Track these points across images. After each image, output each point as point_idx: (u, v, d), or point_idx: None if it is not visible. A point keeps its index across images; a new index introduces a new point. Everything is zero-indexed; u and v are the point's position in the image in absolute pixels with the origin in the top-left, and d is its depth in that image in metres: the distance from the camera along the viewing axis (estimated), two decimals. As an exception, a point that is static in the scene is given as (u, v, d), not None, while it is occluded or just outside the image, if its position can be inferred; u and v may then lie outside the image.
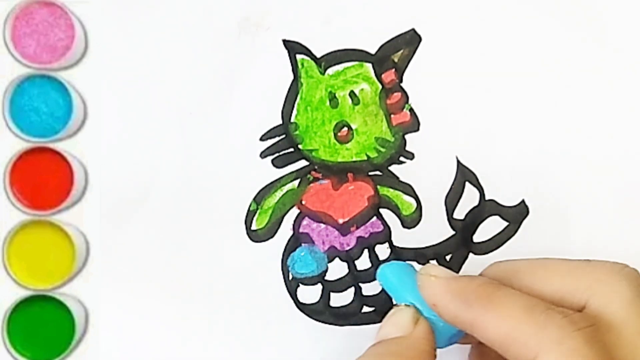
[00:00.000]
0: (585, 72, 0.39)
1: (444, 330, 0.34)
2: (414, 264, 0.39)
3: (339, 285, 0.39)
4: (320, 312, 0.39)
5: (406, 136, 0.39)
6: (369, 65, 0.39)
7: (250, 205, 0.39)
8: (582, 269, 0.32)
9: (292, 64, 0.39)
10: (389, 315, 0.34)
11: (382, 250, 0.39)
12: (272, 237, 0.40)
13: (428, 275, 0.34)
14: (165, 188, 0.39)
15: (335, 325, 0.39)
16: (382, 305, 0.39)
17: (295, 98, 0.39)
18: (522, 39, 0.39)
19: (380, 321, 0.39)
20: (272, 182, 0.40)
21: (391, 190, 0.40)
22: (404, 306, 0.35)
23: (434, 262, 0.39)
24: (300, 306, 0.39)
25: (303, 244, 0.40)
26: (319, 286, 0.39)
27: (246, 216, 0.39)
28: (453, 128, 0.39)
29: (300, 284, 0.39)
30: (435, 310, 0.33)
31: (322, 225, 0.40)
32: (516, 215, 0.39)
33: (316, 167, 0.40)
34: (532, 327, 0.29)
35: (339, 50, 0.39)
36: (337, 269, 0.39)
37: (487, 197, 0.39)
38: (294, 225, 0.40)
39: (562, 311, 0.30)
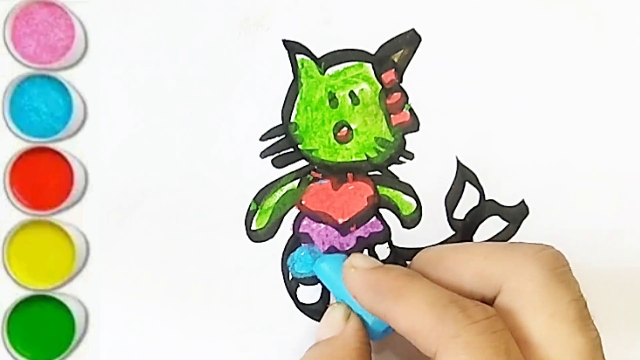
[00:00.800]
0: (585, 72, 0.39)
1: (375, 325, 0.34)
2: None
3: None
4: (320, 312, 0.39)
5: (406, 136, 0.39)
6: (368, 65, 0.39)
7: (250, 205, 0.39)
8: (500, 252, 0.33)
9: (292, 64, 0.39)
10: (325, 315, 0.36)
11: (382, 250, 0.39)
12: (272, 237, 0.40)
13: (349, 267, 0.35)
14: (165, 188, 0.39)
15: (335, 325, 0.39)
16: (382, 305, 0.39)
17: (295, 98, 0.39)
18: (522, 39, 0.39)
19: (380, 321, 0.39)
20: (272, 182, 0.40)
21: (391, 190, 0.40)
22: (337, 304, 0.36)
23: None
24: (300, 306, 0.39)
25: (303, 244, 0.40)
26: (319, 286, 0.39)
27: (246, 216, 0.39)
28: (453, 128, 0.39)
29: (300, 284, 0.39)
30: (357, 302, 0.34)
31: (322, 225, 0.40)
32: (516, 215, 0.39)
33: (316, 167, 0.40)
34: (432, 321, 0.30)
35: (339, 50, 0.39)
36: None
37: (487, 197, 0.39)
38: (293, 225, 0.40)
39: (463, 305, 0.30)
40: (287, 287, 0.39)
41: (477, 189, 0.39)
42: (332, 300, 0.36)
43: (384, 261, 0.39)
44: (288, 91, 0.39)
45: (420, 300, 0.31)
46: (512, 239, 0.39)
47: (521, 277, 0.31)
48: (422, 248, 0.39)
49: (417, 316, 0.31)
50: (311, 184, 0.40)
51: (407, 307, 0.31)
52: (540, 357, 0.30)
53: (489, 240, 0.39)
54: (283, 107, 0.39)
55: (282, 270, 0.39)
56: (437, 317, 0.30)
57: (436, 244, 0.39)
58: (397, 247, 0.39)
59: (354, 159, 0.40)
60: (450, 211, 0.39)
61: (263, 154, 0.39)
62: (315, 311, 0.39)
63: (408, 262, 0.39)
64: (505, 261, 0.32)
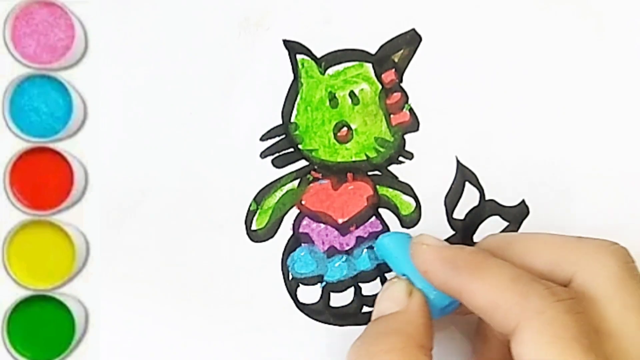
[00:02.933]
0: (585, 72, 0.39)
1: (437, 301, 0.34)
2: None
3: (338, 286, 0.39)
4: (320, 312, 0.39)
5: (406, 136, 0.39)
6: (369, 65, 0.39)
7: (250, 205, 0.39)
8: (572, 243, 0.33)
9: (292, 64, 0.39)
10: (384, 289, 0.35)
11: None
12: (272, 237, 0.40)
13: (420, 244, 0.34)
14: (165, 188, 0.39)
15: (335, 325, 0.39)
16: (382, 305, 0.39)
17: (296, 98, 0.39)
18: (522, 39, 0.39)
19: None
20: (272, 182, 0.40)
21: (390, 190, 0.40)
22: (397, 279, 0.35)
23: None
24: (300, 306, 0.39)
25: (303, 244, 0.40)
26: (319, 286, 0.39)
27: (246, 216, 0.39)
28: (453, 128, 0.39)
29: (300, 284, 0.39)
30: (426, 277, 0.34)
31: (322, 225, 0.40)
32: (516, 215, 0.39)
33: (316, 167, 0.40)
34: (515, 296, 0.30)
35: (339, 50, 0.39)
36: (337, 269, 0.39)
37: (487, 197, 0.39)
38: (293, 225, 0.40)
39: (546, 283, 0.30)
40: (287, 287, 0.39)
41: (477, 189, 0.39)
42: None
43: (382, 260, 0.39)
44: (288, 91, 0.39)
45: (502, 276, 0.31)
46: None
47: (595, 267, 0.31)
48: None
49: (498, 291, 0.30)
50: (311, 184, 0.40)
51: (487, 281, 0.31)
52: (612, 347, 0.30)
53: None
54: (283, 107, 0.39)
55: (282, 270, 0.39)
56: (520, 293, 0.30)
57: (436, 244, 0.39)
58: (397, 247, 0.39)
59: (353, 159, 0.40)
60: (450, 211, 0.39)
61: (263, 154, 0.40)
62: (315, 311, 0.39)
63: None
64: (578, 251, 0.32)
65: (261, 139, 0.40)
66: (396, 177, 0.39)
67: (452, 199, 0.39)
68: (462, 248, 0.33)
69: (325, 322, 0.39)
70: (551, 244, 0.33)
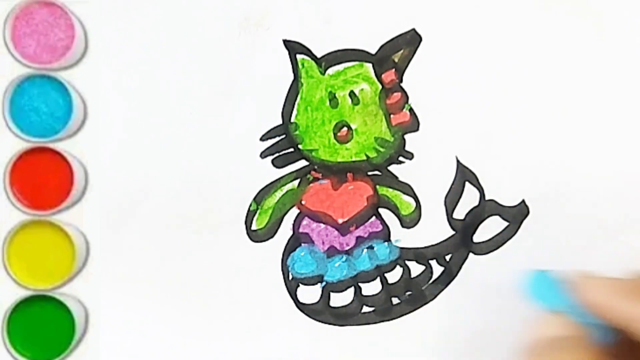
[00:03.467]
0: (585, 73, 0.39)
1: (604, 334, 0.34)
2: (414, 263, 0.39)
3: (339, 286, 0.39)
4: (320, 312, 0.39)
5: (406, 136, 0.40)
6: (369, 65, 0.39)
7: (250, 205, 0.39)
8: None
9: (292, 64, 0.39)
10: (542, 319, 0.34)
11: (382, 250, 0.39)
12: (272, 237, 0.40)
13: (586, 278, 0.33)
14: (165, 188, 0.39)
15: (335, 325, 0.39)
16: (382, 305, 0.39)
17: (296, 98, 0.39)
18: (522, 39, 0.39)
19: (380, 321, 0.39)
20: (272, 182, 0.40)
21: (390, 190, 0.40)
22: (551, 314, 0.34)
23: (433, 262, 0.39)
24: (300, 306, 0.39)
25: (303, 244, 0.40)
26: (319, 286, 0.39)
27: (246, 216, 0.39)
28: (453, 128, 0.39)
29: (300, 284, 0.39)
30: (596, 311, 0.33)
31: (322, 225, 0.40)
32: (516, 215, 0.39)
33: (316, 167, 0.40)
34: None
35: (339, 50, 0.39)
36: (337, 269, 0.39)
37: (487, 197, 0.39)
38: (294, 225, 0.40)
39: None
40: (287, 287, 0.39)
41: (477, 189, 0.39)
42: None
43: (383, 260, 0.39)
44: (288, 91, 0.39)
45: None
46: (512, 239, 0.39)
47: None
48: (422, 248, 0.39)
49: None
50: (311, 184, 0.40)
51: None
52: None
53: (490, 240, 0.39)
54: (283, 107, 0.39)
55: (282, 270, 0.39)
56: None
57: (436, 244, 0.39)
58: (397, 246, 0.39)
59: (353, 159, 0.40)
60: (450, 211, 0.39)
61: (263, 154, 0.40)
62: (315, 311, 0.39)
63: (409, 262, 0.40)
64: None
65: (261, 139, 0.40)
66: (396, 177, 0.39)
67: (452, 199, 0.39)
68: (632, 279, 0.32)
69: (325, 322, 0.39)
70: None
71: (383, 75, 0.39)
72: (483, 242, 0.39)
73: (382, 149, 0.39)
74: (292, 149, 0.40)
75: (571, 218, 0.39)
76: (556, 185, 0.39)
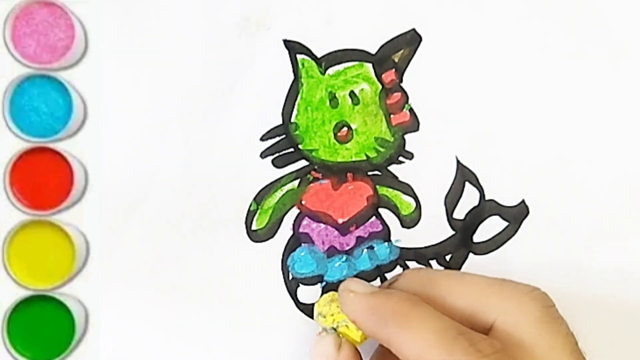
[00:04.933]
0: (585, 73, 0.39)
1: None
2: (414, 263, 0.39)
3: (338, 285, 0.39)
4: (320, 312, 0.39)
5: (406, 136, 0.40)
6: (369, 65, 0.39)
7: (250, 205, 0.39)
8: (493, 287, 0.33)
9: (292, 64, 0.39)
10: (314, 345, 0.36)
11: (382, 250, 0.39)
12: (272, 237, 0.40)
13: (347, 291, 0.35)
14: (165, 188, 0.39)
15: (335, 325, 0.39)
16: (382, 305, 0.39)
17: (296, 98, 0.39)
18: (522, 39, 0.39)
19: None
20: (272, 182, 0.40)
21: (390, 190, 0.40)
22: (324, 332, 0.36)
23: (417, 265, 0.40)
24: (300, 306, 0.39)
25: (303, 244, 0.40)
26: (319, 286, 0.39)
27: (246, 216, 0.39)
28: (453, 128, 0.39)
29: (300, 284, 0.39)
30: (356, 326, 0.34)
31: (322, 225, 0.40)
32: (516, 215, 0.39)
33: (316, 167, 0.40)
34: (441, 352, 0.30)
35: (339, 50, 0.39)
36: (337, 269, 0.39)
37: (487, 197, 0.39)
38: (294, 225, 0.40)
39: (470, 338, 0.31)
40: (287, 287, 0.39)
41: (477, 189, 0.39)
42: (319, 328, 0.36)
43: (383, 260, 0.39)
44: (288, 91, 0.39)
45: (428, 330, 0.31)
46: (512, 239, 0.39)
47: (517, 312, 0.32)
48: (422, 248, 0.39)
49: (424, 346, 0.31)
50: (311, 184, 0.40)
51: (413, 335, 0.31)
52: None
53: (490, 240, 0.39)
54: (283, 107, 0.39)
55: (282, 270, 0.39)
56: (446, 350, 0.30)
57: (436, 244, 0.39)
58: (397, 247, 0.39)
59: (353, 159, 0.40)
60: (450, 211, 0.39)
61: (263, 154, 0.40)
62: (315, 311, 0.39)
63: (410, 262, 0.39)
64: (500, 296, 0.33)
65: (261, 139, 0.40)
66: (396, 177, 0.39)
67: (452, 199, 0.39)
68: (389, 296, 0.33)
69: (325, 322, 0.39)
70: (473, 285, 0.34)
71: (383, 75, 0.39)
72: (483, 242, 0.39)
73: (382, 149, 0.39)
74: (292, 149, 0.40)
75: (571, 218, 0.39)
76: (556, 185, 0.39)
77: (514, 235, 0.39)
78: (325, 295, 0.37)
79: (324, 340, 0.35)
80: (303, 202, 0.40)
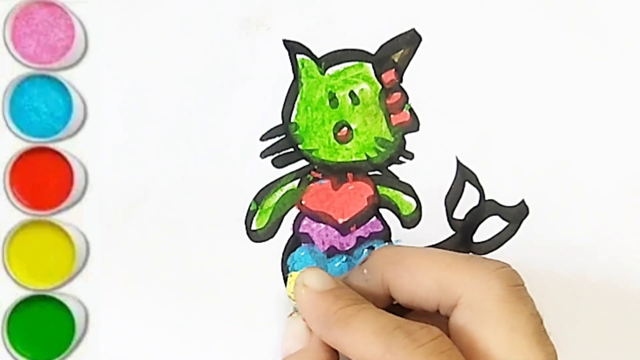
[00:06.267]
0: (585, 72, 0.39)
1: None
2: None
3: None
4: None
5: (406, 136, 0.40)
6: (369, 65, 0.39)
7: (250, 205, 0.39)
8: (462, 263, 0.33)
9: (292, 64, 0.39)
10: (286, 327, 0.36)
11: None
12: (272, 237, 0.40)
13: (302, 285, 0.34)
14: (165, 188, 0.39)
15: (335, 325, 0.39)
16: (382, 305, 0.39)
17: (296, 98, 0.39)
18: (522, 39, 0.39)
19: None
20: (272, 182, 0.40)
21: (391, 190, 0.40)
22: (297, 314, 0.36)
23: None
24: (300, 306, 0.39)
25: (303, 244, 0.40)
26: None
27: (246, 216, 0.39)
28: (453, 128, 0.39)
29: (300, 284, 0.39)
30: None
31: (322, 225, 0.40)
32: (516, 215, 0.39)
33: (316, 167, 0.40)
34: (379, 349, 0.30)
35: (339, 50, 0.39)
36: (337, 269, 0.39)
37: (487, 197, 0.39)
38: (294, 225, 0.40)
39: (408, 329, 0.31)
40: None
41: (477, 189, 0.39)
42: (290, 309, 0.36)
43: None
44: (288, 91, 0.39)
45: (367, 330, 0.31)
46: (512, 239, 0.39)
47: (482, 290, 0.32)
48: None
49: (364, 346, 0.31)
50: (311, 184, 0.40)
51: (354, 337, 0.31)
52: None
53: (490, 240, 0.39)
54: (283, 107, 0.39)
55: (282, 270, 0.39)
56: (384, 346, 0.30)
57: (436, 244, 0.39)
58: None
59: (354, 159, 0.40)
60: (450, 211, 0.39)
61: (263, 154, 0.39)
62: (315, 311, 0.39)
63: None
64: (466, 273, 0.33)
65: (261, 139, 0.40)
66: (397, 177, 0.39)
67: (452, 199, 0.39)
68: (337, 298, 0.33)
69: (325, 322, 0.39)
70: (441, 262, 0.33)
71: (383, 75, 0.39)
72: (483, 242, 0.39)
73: (382, 149, 0.39)
74: (292, 149, 0.40)
75: (571, 218, 0.39)
76: (556, 185, 0.39)
77: (514, 235, 0.39)
78: (295, 274, 0.36)
79: (295, 321, 0.35)
80: (303, 202, 0.40)
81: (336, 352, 0.34)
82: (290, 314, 0.36)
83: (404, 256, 0.34)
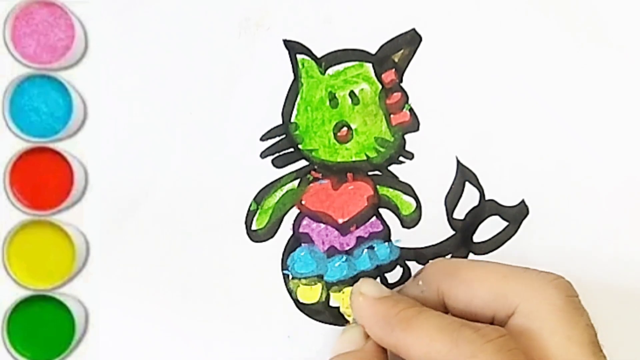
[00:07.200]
0: (585, 72, 0.39)
1: None
2: (414, 264, 0.39)
3: (339, 285, 0.39)
4: (320, 312, 0.39)
5: (406, 136, 0.40)
6: (369, 65, 0.39)
7: (250, 205, 0.39)
8: (517, 274, 0.34)
9: (292, 64, 0.39)
10: (340, 334, 0.37)
11: (382, 250, 0.39)
12: (272, 237, 0.40)
13: (358, 294, 0.35)
14: (165, 188, 0.39)
15: (335, 325, 0.39)
16: (382, 305, 0.39)
17: (296, 98, 0.39)
18: (523, 39, 0.39)
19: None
20: (272, 182, 0.40)
21: (391, 190, 0.40)
22: (355, 324, 0.36)
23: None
24: (300, 306, 0.39)
25: (303, 244, 0.40)
26: (319, 286, 0.39)
27: (246, 216, 0.39)
28: (453, 128, 0.39)
29: (300, 284, 0.39)
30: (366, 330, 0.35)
31: (322, 225, 0.40)
32: (516, 215, 0.39)
33: (316, 167, 0.40)
34: (446, 345, 0.31)
35: (339, 50, 0.39)
36: (337, 269, 0.39)
37: (487, 197, 0.39)
38: (294, 225, 0.40)
39: (474, 326, 0.31)
40: (287, 287, 0.39)
41: (477, 189, 0.39)
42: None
43: (383, 260, 0.39)
44: (288, 91, 0.39)
45: (431, 328, 0.32)
46: (512, 239, 0.39)
47: (539, 299, 0.32)
48: (422, 248, 0.39)
49: (429, 343, 0.31)
50: (311, 184, 0.40)
51: (418, 335, 0.32)
52: None
53: (490, 240, 0.39)
54: (283, 107, 0.39)
55: (282, 270, 0.39)
56: (450, 340, 0.31)
57: (436, 244, 0.39)
58: (397, 247, 0.39)
59: (354, 159, 0.40)
60: (450, 211, 0.39)
61: (263, 154, 0.40)
62: (315, 311, 0.39)
63: (410, 262, 0.39)
64: (523, 283, 0.33)
65: (261, 139, 0.40)
66: (396, 177, 0.39)
67: (452, 199, 0.39)
68: (396, 302, 0.34)
69: (325, 322, 0.39)
70: (496, 273, 0.34)
71: (383, 75, 0.39)
72: (483, 242, 0.39)
73: (382, 149, 0.39)
74: (292, 149, 0.40)
75: (571, 218, 0.39)
76: (556, 185, 0.39)
77: (514, 235, 0.39)
78: (347, 290, 0.37)
79: (352, 329, 0.36)
80: (303, 202, 0.40)
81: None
82: (348, 323, 0.37)
83: (460, 268, 0.35)
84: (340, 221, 0.40)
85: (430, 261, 0.37)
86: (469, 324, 0.31)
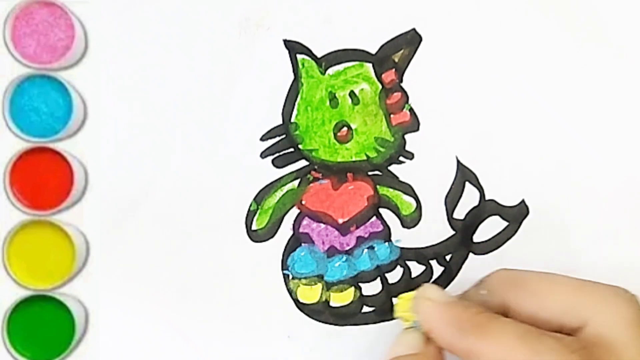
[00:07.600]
0: (585, 72, 0.39)
1: None
2: (414, 263, 0.39)
3: (339, 285, 0.39)
4: (320, 312, 0.39)
5: (406, 136, 0.40)
6: (369, 65, 0.39)
7: (250, 205, 0.39)
8: (586, 287, 0.33)
9: (292, 64, 0.39)
10: (398, 337, 0.35)
11: (382, 250, 0.39)
12: (272, 237, 0.40)
13: (424, 299, 0.34)
14: (165, 188, 0.39)
15: (335, 325, 0.39)
16: (382, 305, 0.39)
17: (296, 98, 0.39)
18: (523, 39, 0.39)
19: (380, 321, 0.39)
20: (272, 182, 0.40)
21: (391, 190, 0.40)
22: (413, 328, 0.35)
23: (435, 264, 0.39)
24: (300, 306, 0.39)
25: (303, 244, 0.40)
26: (319, 286, 0.39)
27: (246, 216, 0.39)
28: (453, 128, 0.39)
29: (300, 284, 0.39)
30: (430, 336, 0.34)
31: (322, 225, 0.40)
32: (516, 215, 0.39)
33: (316, 167, 0.40)
34: (527, 354, 0.30)
35: (339, 50, 0.39)
36: (337, 269, 0.39)
37: (487, 197, 0.39)
38: (294, 225, 0.40)
39: (554, 336, 0.31)
40: (287, 287, 0.39)
41: (477, 189, 0.39)
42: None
43: (383, 260, 0.39)
44: (288, 91, 0.39)
45: (510, 336, 0.31)
46: (512, 239, 0.39)
47: (610, 313, 0.32)
48: (422, 248, 0.39)
49: (507, 350, 0.31)
50: (311, 184, 0.40)
51: (496, 342, 0.31)
52: None
53: (490, 240, 0.39)
54: (283, 107, 0.39)
55: (282, 270, 0.39)
56: (531, 349, 0.30)
57: (436, 244, 0.39)
58: (397, 247, 0.39)
59: (354, 159, 0.40)
60: (450, 211, 0.39)
61: (263, 154, 0.40)
62: (315, 311, 0.39)
63: (410, 262, 0.39)
64: (595, 296, 0.33)
65: (261, 139, 0.40)
66: (397, 177, 0.39)
67: (452, 199, 0.39)
68: (466, 307, 0.33)
69: (325, 322, 0.39)
70: (566, 285, 0.34)
71: (383, 75, 0.39)
72: (483, 242, 0.39)
73: (382, 149, 0.39)
74: (292, 149, 0.40)
75: (571, 218, 0.39)
76: (556, 185, 0.39)
77: (514, 235, 0.39)
78: (404, 296, 0.36)
79: (412, 332, 0.35)
80: (303, 202, 0.40)
81: None
82: (406, 328, 0.35)
83: (528, 279, 0.34)
84: (341, 221, 0.40)
85: (494, 271, 0.36)
86: (549, 334, 0.31)
